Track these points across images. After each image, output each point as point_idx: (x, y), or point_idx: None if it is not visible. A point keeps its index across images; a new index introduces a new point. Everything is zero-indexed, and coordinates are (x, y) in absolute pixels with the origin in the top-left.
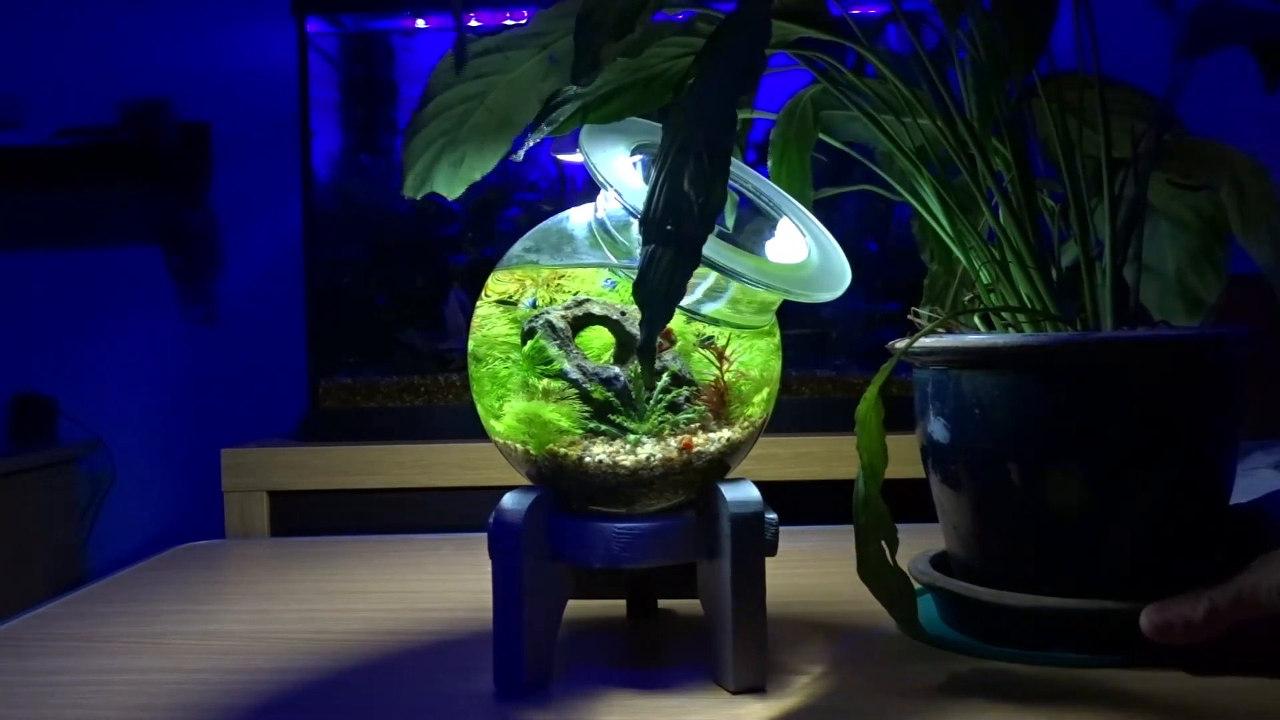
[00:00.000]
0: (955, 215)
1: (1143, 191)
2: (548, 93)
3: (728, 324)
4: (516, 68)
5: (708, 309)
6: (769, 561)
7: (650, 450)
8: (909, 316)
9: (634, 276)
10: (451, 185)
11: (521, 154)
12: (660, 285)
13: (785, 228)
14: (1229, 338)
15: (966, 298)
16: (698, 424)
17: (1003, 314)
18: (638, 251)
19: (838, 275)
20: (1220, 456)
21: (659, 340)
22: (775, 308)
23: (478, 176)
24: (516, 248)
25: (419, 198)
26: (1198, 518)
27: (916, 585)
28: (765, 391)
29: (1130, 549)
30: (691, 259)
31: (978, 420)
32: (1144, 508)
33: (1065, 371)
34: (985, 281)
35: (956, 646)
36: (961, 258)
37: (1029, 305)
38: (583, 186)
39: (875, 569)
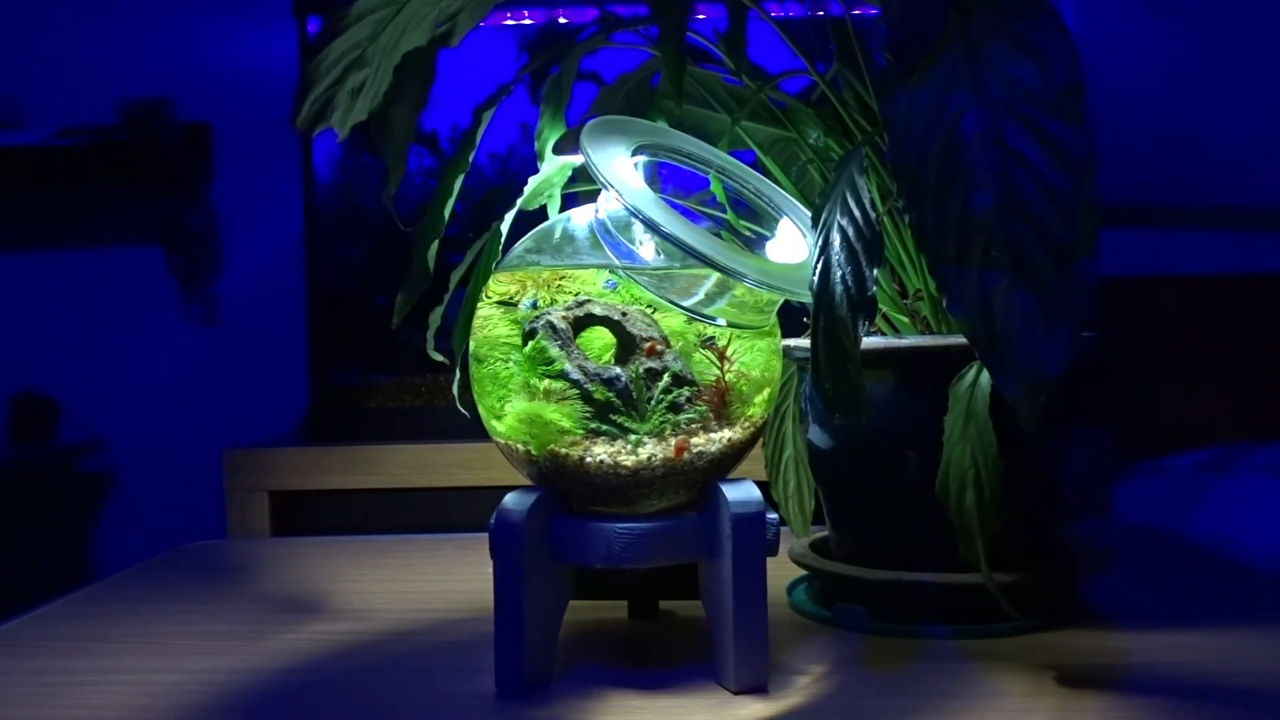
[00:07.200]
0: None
1: None
2: (446, 15)
3: (729, 324)
4: None
5: (709, 309)
6: (769, 561)
7: (651, 450)
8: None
9: (634, 277)
10: (345, 120)
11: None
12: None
13: (785, 228)
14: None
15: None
16: (699, 424)
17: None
18: (638, 251)
19: None
20: (1054, 446)
21: (654, 340)
22: (776, 307)
23: (364, 116)
24: (517, 248)
25: (313, 134)
26: (1039, 503)
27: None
28: (766, 392)
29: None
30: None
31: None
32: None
33: (921, 371)
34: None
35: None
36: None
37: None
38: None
39: None
